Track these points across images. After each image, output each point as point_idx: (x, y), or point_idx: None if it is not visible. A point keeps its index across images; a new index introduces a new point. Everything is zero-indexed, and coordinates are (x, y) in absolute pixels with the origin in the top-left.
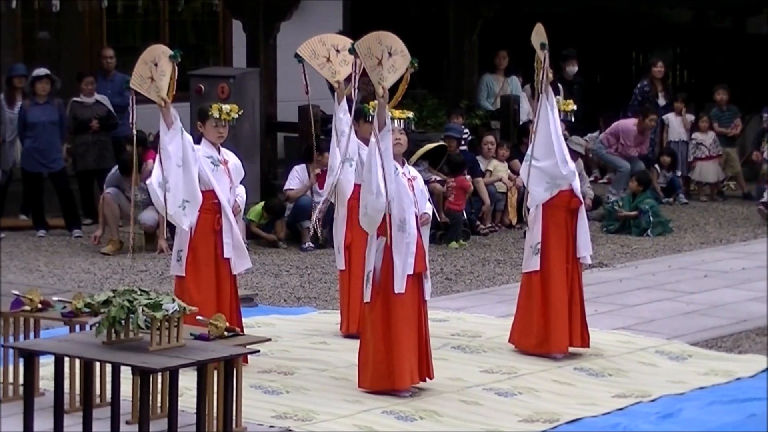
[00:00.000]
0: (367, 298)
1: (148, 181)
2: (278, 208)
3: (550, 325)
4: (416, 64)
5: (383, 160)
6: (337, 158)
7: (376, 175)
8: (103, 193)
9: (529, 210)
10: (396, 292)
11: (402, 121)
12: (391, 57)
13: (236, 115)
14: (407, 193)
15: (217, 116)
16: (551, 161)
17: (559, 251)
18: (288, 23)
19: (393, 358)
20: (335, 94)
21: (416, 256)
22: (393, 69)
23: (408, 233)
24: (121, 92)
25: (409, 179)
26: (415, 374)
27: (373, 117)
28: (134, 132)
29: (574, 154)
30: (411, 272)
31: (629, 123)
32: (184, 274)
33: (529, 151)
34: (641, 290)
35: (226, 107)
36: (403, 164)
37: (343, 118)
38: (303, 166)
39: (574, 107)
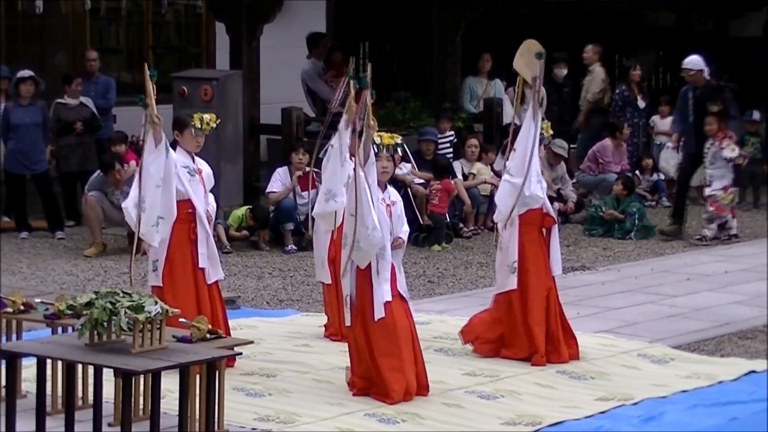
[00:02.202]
0: (347, 322)
1: (123, 204)
2: (264, 216)
3: (534, 341)
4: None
5: (372, 192)
6: (339, 182)
7: (369, 210)
8: (86, 195)
9: (497, 226)
10: (376, 319)
11: (390, 147)
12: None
13: (215, 125)
14: (385, 220)
15: (199, 126)
16: (522, 180)
17: (538, 268)
18: (271, 25)
19: (383, 379)
20: (343, 117)
21: (390, 282)
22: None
23: (386, 260)
24: (105, 94)
25: (387, 205)
26: (412, 390)
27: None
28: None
29: (557, 157)
30: (389, 299)
31: (604, 141)
32: (161, 284)
33: (506, 165)
34: (624, 293)
35: (206, 117)
36: (384, 188)
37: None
38: (285, 168)
39: (551, 132)
